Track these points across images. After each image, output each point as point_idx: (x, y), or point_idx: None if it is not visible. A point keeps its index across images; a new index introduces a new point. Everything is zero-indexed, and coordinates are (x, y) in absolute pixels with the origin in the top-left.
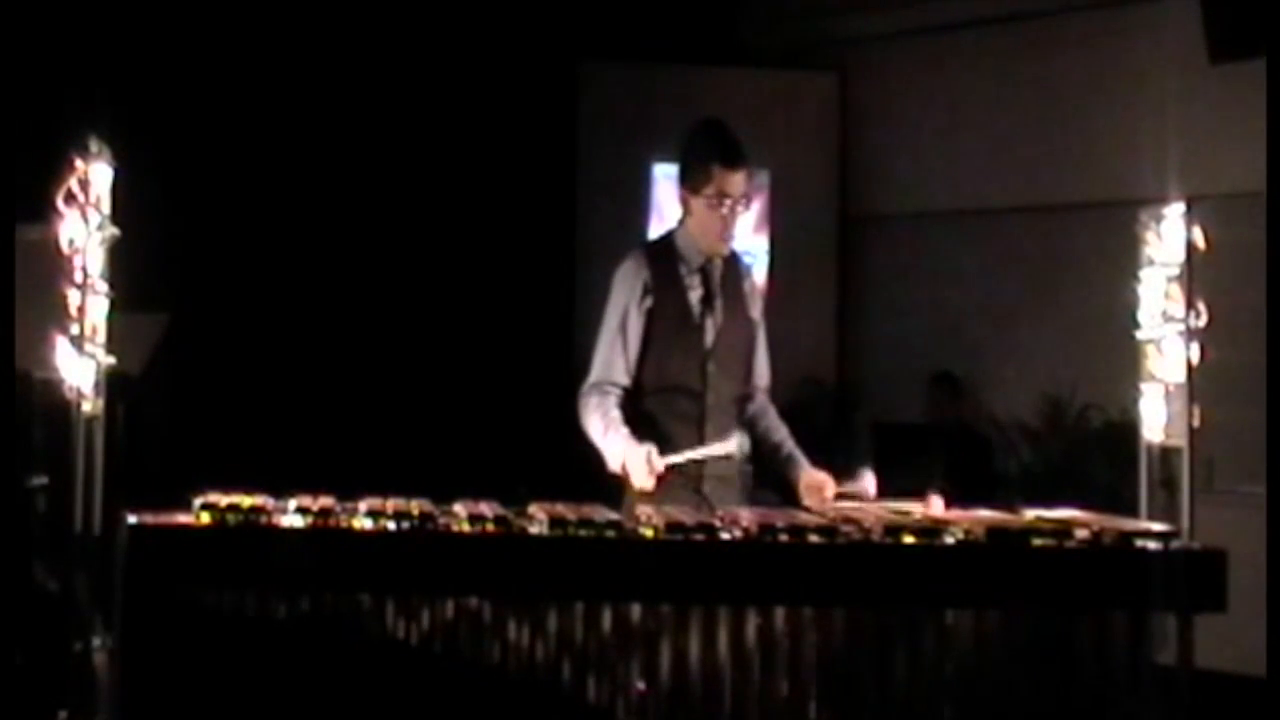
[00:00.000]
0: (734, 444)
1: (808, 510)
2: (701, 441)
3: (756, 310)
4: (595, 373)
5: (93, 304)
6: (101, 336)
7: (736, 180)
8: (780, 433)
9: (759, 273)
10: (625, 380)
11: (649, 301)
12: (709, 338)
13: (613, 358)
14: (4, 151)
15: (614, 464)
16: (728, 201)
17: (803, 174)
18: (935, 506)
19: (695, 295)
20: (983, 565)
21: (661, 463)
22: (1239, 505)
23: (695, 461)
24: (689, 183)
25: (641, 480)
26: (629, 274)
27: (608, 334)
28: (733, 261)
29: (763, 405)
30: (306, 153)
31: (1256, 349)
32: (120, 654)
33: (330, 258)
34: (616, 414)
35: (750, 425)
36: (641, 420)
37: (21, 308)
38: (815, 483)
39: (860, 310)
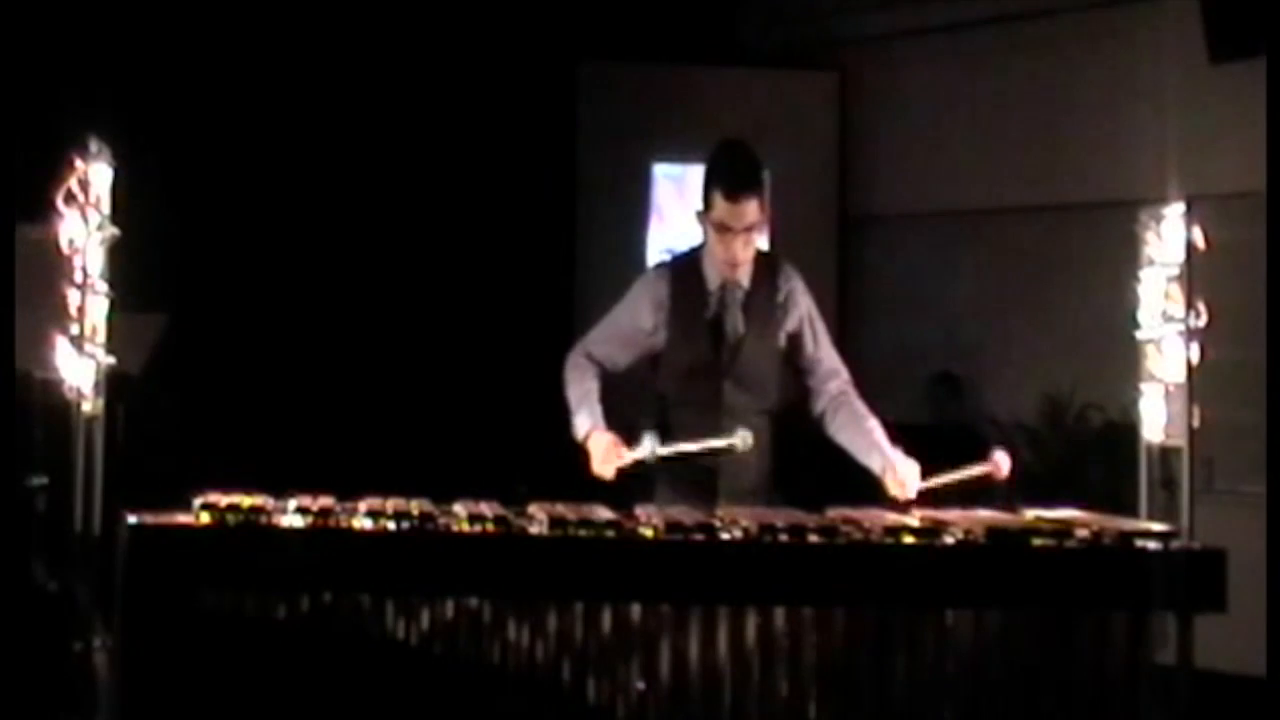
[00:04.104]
0: (737, 438)
1: (894, 501)
2: (716, 465)
3: (794, 319)
4: (588, 337)
5: (93, 304)
6: (101, 336)
7: (739, 212)
8: (864, 423)
9: None
10: (604, 362)
11: (661, 316)
12: (725, 356)
13: (603, 335)
14: (4, 151)
15: (577, 435)
16: (728, 232)
17: (803, 174)
18: (1002, 464)
19: (712, 314)
20: (983, 565)
21: (630, 456)
22: (1239, 505)
23: (693, 455)
24: (703, 205)
25: (599, 467)
26: (647, 284)
27: (611, 314)
28: (768, 274)
29: (835, 398)
30: (306, 153)
31: (1256, 349)
32: (120, 654)
33: (330, 258)
34: (593, 385)
35: (823, 419)
36: (664, 432)
37: (21, 308)
38: (899, 473)
39: (860, 310)
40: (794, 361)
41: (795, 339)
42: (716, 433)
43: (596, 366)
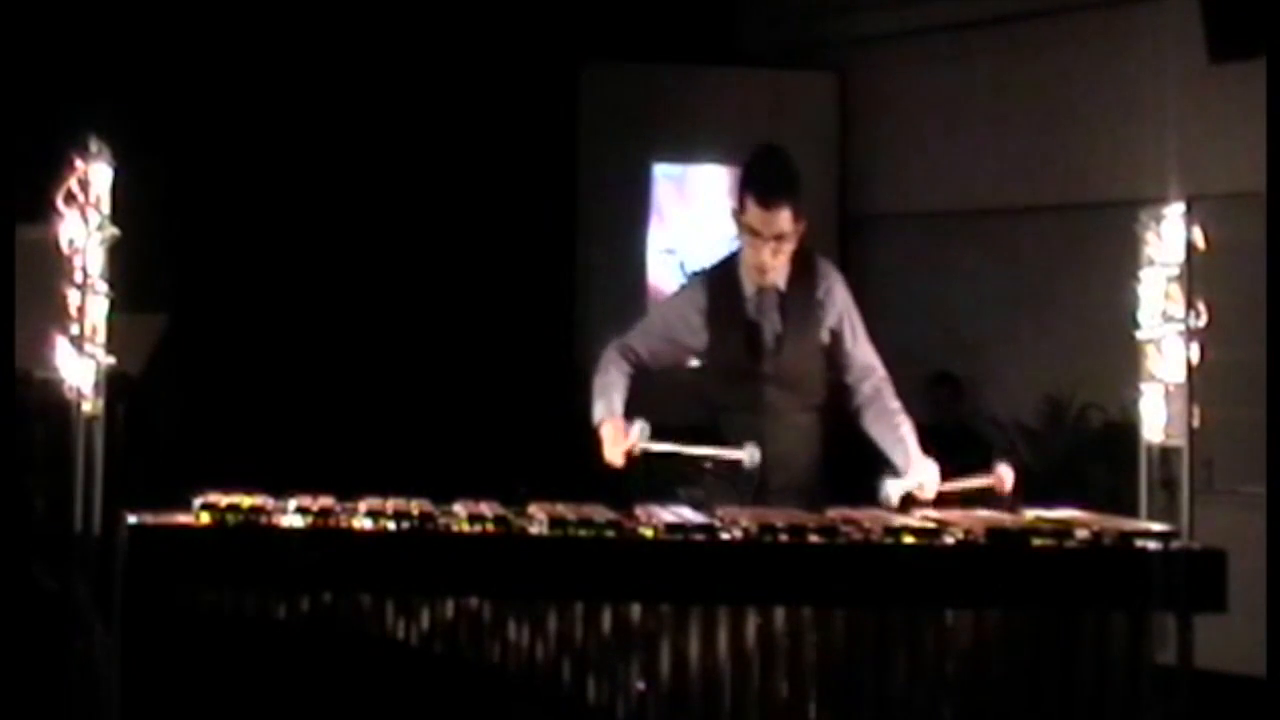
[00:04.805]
0: (744, 453)
1: (906, 499)
2: (764, 463)
3: (834, 316)
4: (628, 333)
5: (93, 304)
6: (101, 336)
7: (769, 219)
8: (893, 419)
9: None
10: (642, 354)
11: (701, 321)
12: (765, 358)
13: (645, 331)
14: (4, 151)
15: (595, 419)
16: (757, 238)
17: (803, 174)
18: (1006, 478)
19: (750, 317)
20: (983, 565)
21: (638, 445)
22: (1239, 505)
23: (692, 459)
24: (737, 205)
25: (609, 452)
26: (686, 290)
27: (651, 314)
28: (806, 273)
29: (870, 395)
30: (307, 153)
31: (1256, 349)
32: (120, 654)
33: (330, 259)
34: (618, 378)
35: (857, 414)
36: (713, 435)
37: (21, 308)
38: (918, 474)
39: (860, 310)
40: (832, 357)
41: (835, 335)
42: (760, 435)
43: (629, 362)
